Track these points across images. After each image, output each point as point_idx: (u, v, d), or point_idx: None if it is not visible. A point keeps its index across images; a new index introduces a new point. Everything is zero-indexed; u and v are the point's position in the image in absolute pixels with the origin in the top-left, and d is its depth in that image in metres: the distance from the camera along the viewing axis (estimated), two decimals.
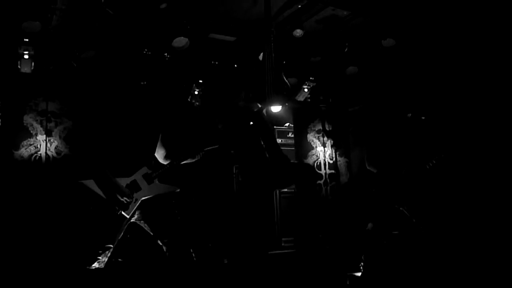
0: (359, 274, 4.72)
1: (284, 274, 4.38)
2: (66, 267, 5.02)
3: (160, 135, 4.70)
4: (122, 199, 4.10)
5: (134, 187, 4.27)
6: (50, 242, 5.50)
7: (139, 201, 4.19)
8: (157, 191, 4.33)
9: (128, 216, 4.13)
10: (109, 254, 4.13)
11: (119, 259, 5.24)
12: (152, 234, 4.32)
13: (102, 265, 4.11)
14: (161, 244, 4.33)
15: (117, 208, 4.09)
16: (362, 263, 4.70)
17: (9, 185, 5.65)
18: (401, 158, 4.79)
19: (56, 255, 5.35)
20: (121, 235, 4.19)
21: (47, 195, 5.72)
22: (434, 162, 4.60)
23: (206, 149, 4.63)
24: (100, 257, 4.09)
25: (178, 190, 4.46)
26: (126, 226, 4.20)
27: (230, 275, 4.49)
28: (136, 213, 4.25)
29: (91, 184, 4.15)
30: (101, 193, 4.12)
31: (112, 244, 4.13)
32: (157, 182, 4.37)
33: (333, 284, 4.57)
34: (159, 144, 4.64)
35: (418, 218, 4.74)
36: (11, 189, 5.63)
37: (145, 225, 4.31)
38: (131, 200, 4.18)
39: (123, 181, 4.24)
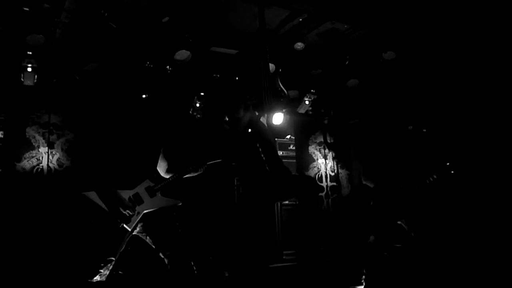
0: (361, 287, 4.70)
1: (286, 287, 4.36)
2: (68, 280, 5.01)
3: (162, 148, 4.71)
4: (124, 212, 4.10)
5: (136, 200, 4.27)
6: (52, 255, 5.49)
7: (141, 214, 4.18)
8: (160, 204, 4.32)
9: (130, 229, 4.11)
10: (110, 267, 4.12)
11: (120, 272, 5.24)
12: (154, 247, 4.31)
13: (104, 278, 4.09)
14: (163, 257, 4.31)
15: (119, 221, 4.08)
16: (364, 276, 4.68)
17: (11, 197, 5.65)
18: (400, 172, 4.79)
19: (58, 268, 5.34)
20: (122, 248, 4.18)
21: (49, 207, 5.72)
22: (435, 177, 4.58)
23: (208, 163, 4.62)
24: (102, 270, 4.07)
25: (180, 203, 4.44)
26: (127, 239, 4.19)
27: None
28: (138, 226, 4.24)
29: (93, 196, 4.15)
30: (103, 205, 4.11)
31: (114, 257, 4.12)
32: (159, 195, 4.36)
33: None
34: (161, 157, 4.65)
35: (417, 232, 4.74)
36: (13, 201, 5.63)
37: (147, 238, 4.30)
38: (133, 213, 4.18)
39: (126, 194, 4.24)
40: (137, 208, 4.18)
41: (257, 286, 4.18)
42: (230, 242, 6.01)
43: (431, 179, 4.59)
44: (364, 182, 5.09)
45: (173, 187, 5.30)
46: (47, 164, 6.01)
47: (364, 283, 4.68)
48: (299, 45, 5.99)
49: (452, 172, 4.52)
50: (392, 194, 4.76)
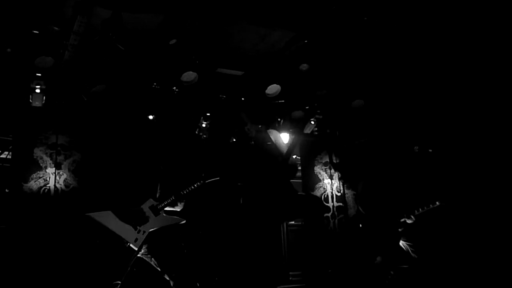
0: None
1: None
2: None
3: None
4: (134, 231, 4.11)
5: (141, 219, 4.26)
6: (59, 277, 5.47)
7: (147, 233, 4.17)
8: (164, 222, 4.33)
9: (136, 249, 4.10)
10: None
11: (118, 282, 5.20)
12: (159, 269, 4.28)
13: None
14: (168, 279, 4.29)
15: (125, 241, 4.07)
16: None
17: (18, 217, 5.66)
18: (397, 197, 4.77)
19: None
20: (128, 270, 4.15)
21: (56, 228, 5.72)
22: (426, 209, 4.56)
23: (207, 181, 4.62)
24: None
25: (184, 221, 4.44)
26: (134, 260, 4.17)
27: None
28: (143, 247, 4.22)
29: (98, 216, 4.15)
30: (109, 226, 4.12)
31: (120, 280, 4.09)
32: (163, 214, 4.36)
33: None
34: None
35: (419, 254, 4.70)
36: (20, 222, 5.64)
37: (152, 260, 4.28)
38: (139, 231, 4.17)
39: (133, 212, 4.26)
40: (143, 227, 4.17)
41: None
42: (236, 263, 5.97)
43: (421, 210, 4.56)
44: (358, 207, 5.09)
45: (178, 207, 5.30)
46: (54, 185, 6.03)
47: None
48: (304, 66, 6.03)
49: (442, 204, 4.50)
50: (378, 224, 4.75)
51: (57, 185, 6.05)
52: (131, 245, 4.07)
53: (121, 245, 4.12)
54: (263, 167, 4.22)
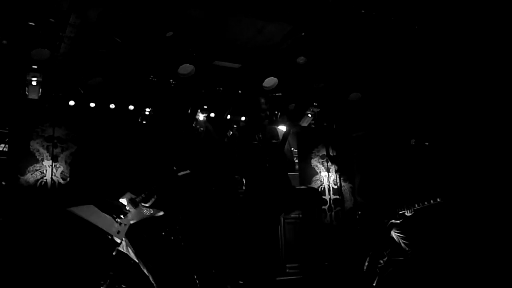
0: None
1: None
2: None
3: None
4: (118, 222, 4.16)
5: (122, 212, 4.30)
6: (55, 268, 5.48)
7: (128, 225, 4.22)
8: (144, 215, 4.36)
9: (119, 241, 4.14)
10: (109, 282, 4.13)
11: (123, 286, 5.22)
12: (137, 261, 4.30)
13: None
14: (147, 274, 4.29)
15: (109, 234, 4.12)
16: None
17: (15, 210, 5.66)
18: (396, 190, 4.78)
19: (60, 282, 5.33)
20: (114, 262, 4.20)
21: (53, 220, 5.72)
22: (426, 204, 4.58)
23: (179, 174, 4.66)
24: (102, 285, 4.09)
25: (162, 213, 4.47)
26: (116, 252, 4.21)
27: None
28: (124, 239, 4.24)
29: (79, 211, 4.18)
30: (91, 219, 4.14)
31: (111, 272, 4.14)
32: (141, 206, 4.40)
33: None
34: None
35: (412, 246, 4.72)
36: (17, 214, 5.64)
37: (130, 251, 4.29)
38: (120, 224, 4.21)
39: (114, 204, 4.30)
40: (123, 220, 4.21)
41: None
42: (233, 255, 5.99)
43: (421, 204, 4.57)
44: (357, 197, 5.12)
45: (175, 201, 5.30)
46: (51, 178, 6.03)
47: None
48: (302, 59, 6.02)
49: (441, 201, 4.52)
50: (378, 212, 4.77)
51: (54, 178, 6.05)
52: (114, 237, 4.11)
53: (104, 237, 4.15)
54: (262, 162, 4.20)
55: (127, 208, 4.29)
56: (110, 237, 4.12)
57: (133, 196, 4.39)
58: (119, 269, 4.68)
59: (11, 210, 5.66)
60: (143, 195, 4.43)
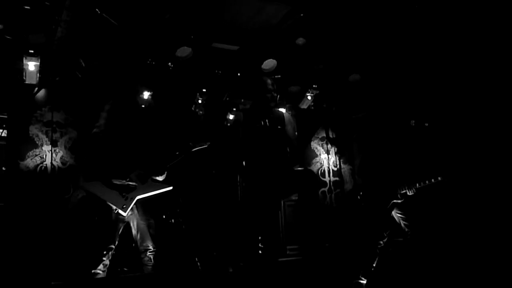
0: (364, 281, 4.71)
1: (289, 281, 4.37)
2: (73, 271, 5.08)
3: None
4: (121, 197, 4.22)
5: (130, 187, 4.35)
6: (56, 251, 5.53)
7: (135, 200, 4.27)
8: (151, 190, 4.40)
9: (124, 214, 4.20)
10: (110, 257, 4.19)
11: (125, 269, 5.27)
12: (137, 240, 4.36)
13: (106, 269, 4.15)
14: (152, 250, 4.35)
15: (114, 208, 4.18)
16: (366, 271, 4.69)
17: (15, 195, 5.68)
18: (396, 170, 4.78)
19: (62, 261, 5.40)
20: (118, 236, 4.26)
21: (53, 204, 5.75)
22: (428, 183, 4.58)
23: (194, 149, 4.66)
24: (104, 258, 4.15)
25: (171, 188, 4.50)
26: (123, 225, 4.28)
27: (235, 283, 4.48)
28: (130, 212, 4.32)
29: (89, 186, 4.25)
30: (100, 194, 4.20)
31: (113, 245, 4.20)
32: (150, 181, 4.44)
33: None
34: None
35: (412, 227, 4.74)
36: (17, 199, 5.66)
37: (133, 223, 4.35)
38: (126, 198, 4.27)
39: (121, 182, 4.35)
40: (130, 195, 4.27)
41: (261, 280, 4.19)
42: (234, 238, 6.03)
43: (422, 184, 4.58)
44: (357, 177, 5.12)
45: (176, 182, 5.31)
46: (51, 162, 6.03)
47: (367, 278, 4.70)
48: (301, 40, 5.97)
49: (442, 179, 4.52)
50: (379, 192, 4.77)
51: (54, 163, 6.06)
52: (119, 211, 4.17)
53: (111, 211, 4.22)
54: (266, 150, 4.19)
55: (134, 183, 4.33)
56: (115, 211, 4.19)
57: (142, 172, 4.42)
58: (128, 253, 4.74)
59: (12, 195, 5.67)
60: (152, 171, 4.46)
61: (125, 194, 4.28)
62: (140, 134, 4.62)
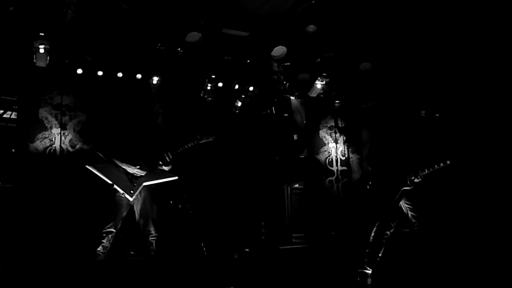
0: (369, 271, 4.71)
1: (294, 269, 4.38)
2: (75, 252, 5.16)
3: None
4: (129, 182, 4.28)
5: (138, 173, 4.40)
6: (64, 233, 5.60)
7: (141, 186, 4.33)
8: (158, 177, 4.47)
9: (131, 199, 4.25)
10: (111, 239, 4.24)
11: (132, 252, 5.32)
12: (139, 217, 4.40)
13: (106, 251, 4.21)
14: (154, 234, 4.39)
15: (122, 192, 4.23)
16: (371, 260, 4.68)
17: (25, 177, 5.73)
18: (405, 159, 4.74)
19: (65, 242, 5.46)
20: (121, 221, 4.31)
21: (61, 187, 5.80)
22: (436, 167, 4.55)
23: (201, 142, 4.71)
24: (104, 241, 4.21)
25: (176, 178, 4.56)
26: (126, 210, 4.32)
27: (240, 269, 4.51)
28: (137, 196, 4.36)
29: (97, 168, 4.29)
30: (109, 177, 4.25)
31: (114, 229, 4.25)
32: (157, 169, 4.49)
33: (343, 280, 4.56)
34: None
35: (418, 217, 4.72)
36: (26, 181, 5.71)
37: (137, 208, 4.39)
38: (134, 184, 4.33)
39: (130, 169, 4.38)
40: (138, 181, 4.33)
41: (266, 267, 4.20)
42: (239, 225, 6.05)
43: (431, 169, 4.55)
44: (365, 164, 5.09)
45: (185, 170, 5.33)
46: (60, 145, 6.07)
47: (372, 267, 4.70)
48: (311, 27, 5.91)
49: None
50: (389, 180, 4.73)
51: (63, 146, 6.10)
52: (126, 195, 4.23)
53: (117, 195, 4.27)
54: (272, 137, 4.16)
55: (143, 170, 4.38)
56: (122, 195, 4.25)
57: (151, 159, 4.48)
58: (134, 237, 4.78)
59: (22, 176, 5.73)
60: (159, 159, 4.51)
61: (134, 180, 4.35)
62: (151, 122, 4.68)
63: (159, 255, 4.38)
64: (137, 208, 4.40)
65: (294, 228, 6.72)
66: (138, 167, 4.37)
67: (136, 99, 6.34)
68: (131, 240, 5.25)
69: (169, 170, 4.59)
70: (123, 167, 4.35)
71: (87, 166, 4.28)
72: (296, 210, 6.78)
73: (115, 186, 4.26)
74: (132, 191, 4.30)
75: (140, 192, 4.36)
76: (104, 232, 4.24)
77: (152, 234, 4.40)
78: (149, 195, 4.43)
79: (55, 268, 4.46)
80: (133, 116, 4.66)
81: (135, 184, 4.35)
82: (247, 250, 5.25)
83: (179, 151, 4.59)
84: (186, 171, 5.94)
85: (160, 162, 4.51)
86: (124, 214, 4.34)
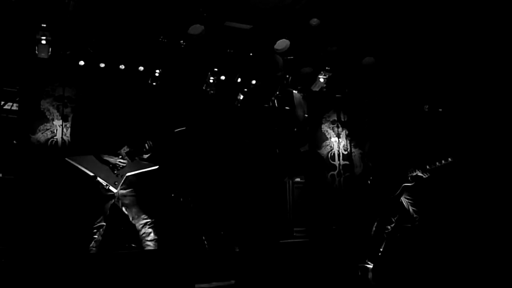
0: (370, 265, 4.71)
1: (295, 263, 4.38)
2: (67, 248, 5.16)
3: None
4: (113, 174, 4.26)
5: (120, 164, 4.39)
6: (64, 225, 5.60)
7: (124, 177, 4.32)
8: (139, 167, 4.46)
9: (115, 190, 4.24)
10: (102, 232, 4.24)
11: (133, 245, 5.32)
12: (129, 217, 4.39)
13: (98, 244, 4.20)
14: (150, 221, 4.38)
15: (105, 184, 4.22)
16: (373, 254, 4.68)
17: (26, 168, 5.73)
18: (407, 154, 4.72)
19: (67, 237, 5.46)
20: (108, 212, 4.30)
21: (63, 179, 5.79)
22: (438, 164, 4.53)
23: (176, 130, 4.70)
24: (96, 236, 4.20)
25: (157, 167, 4.54)
26: (112, 202, 4.30)
27: (241, 262, 4.50)
28: (120, 188, 4.34)
29: (77, 160, 4.27)
30: (90, 169, 4.23)
31: (104, 222, 4.25)
32: (138, 159, 4.48)
33: (344, 274, 4.56)
34: None
35: (419, 212, 4.71)
36: (28, 173, 5.71)
37: (123, 201, 4.37)
38: (117, 175, 4.31)
39: (111, 159, 4.36)
40: (120, 172, 4.31)
41: (267, 261, 4.20)
42: (241, 218, 6.04)
43: (433, 166, 4.53)
44: (366, 160, 5.07)
45: (186, 162, 5.32)
46: (61, 137, 6.06)
47: (373, 262, 4.69)
48: (315, 21, 5.88)
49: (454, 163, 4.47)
50: (389, 176, 4.72)
51: (64, 137, 6.09)
52: (110, 187, 4.22)
53: (101, 188, 4.25)
54: (273, 130, 4.14)
55: (124, 160, 4.37)
56: (106, 187, 4.23)
57: (131, 149, 4.48)
58: (113, 221, 4.78)
59: (23, 168, 5.72)
60: (138, 149, 4.51)
61: (116, 171, 4.32)
62: (130, 111, 4.68)
63: (162, 248, 4.38)
64: (123, 202, 4.35)
65: (295, 222, 6.72)
66: (120, 157, 4.37)
67: (129, 90, 6.31)
68: (132, 233, 5.24)
69: (148, 158, 4.57)
70: (105, 158, 4.32)
71: (67, 159, 4.27)
72: (298, 204, 6.76)
73: (98, 179, 4.24)
74: (116, 183, 4.28)
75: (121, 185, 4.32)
76: (95, 227, 4.22)
77: (148, 221, 4.35)
78: (130, 186, 4.39)
79: (55, 260, 4.45)
80: (119, 107, 4.66)
81: (118, 175, 4.33)
82: (248, 244, 5.24)
83: (153, 141, 4.55)
84: (187, 165, 5.95)
85: (144, 150, 4.49)
86: (110, 205, 4.32)
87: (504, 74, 5.60)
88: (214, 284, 4.39)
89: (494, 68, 5.70)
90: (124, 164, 4.38)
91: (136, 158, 4.49)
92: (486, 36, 5.71)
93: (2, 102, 5.80)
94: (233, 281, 4.31)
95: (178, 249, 4.39)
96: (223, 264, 4.86)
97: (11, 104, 5.64)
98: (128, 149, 4.46)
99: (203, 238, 5.55)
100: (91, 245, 4.17)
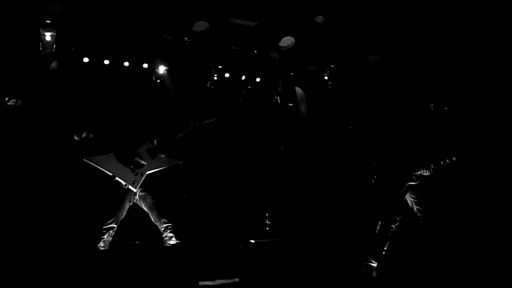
0: (375, 264, 4.70)
1: (300, 260, 4.38)
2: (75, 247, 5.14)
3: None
4: (133, 173, 4.20)
5: (140, 162, 4.31)
6: (70, 223, 5.59)
7: (145, 175, 4.24)
8: (161, 165, 4.38)
9: (135, 190, 4.17)
10: (112, 233, 4.18)
11: (137, 242, 5.32)
12: (150, 212, 4.34)
13: (107, 245, 4.16)
14: (171, 225, 4.35)
15: (124, 183, 4.14)
16: (376, 253, 4.67)
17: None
18: (411, 152, 4.71)
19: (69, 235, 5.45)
20: (124, 213, 4.25)
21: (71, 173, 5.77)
22: (442, 163, 4.51)
23: (202, 122, 4.60)
24: (104, 237, 4.15)
25: (181, 162, 4.48)
26: (131, 203, 4.25)
27: (244, 260, 4.50)
28: (140, 189, 4.28)
29: (98, 160, 4.21)
30: (109, 169, 4.16)
31: (115, 224, 4.18)
32: (160, 156, 4.41)
33: (349, 272, 4.56)
34: None
35: (424, 212, 4.70)
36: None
37: (145, 203, 4.33)
38: (136, 174, 4.23)
39: (131, 157, 4.31)
40: (140, 170, 4.23)
41: (272, 258, 4.20)
42: (245, 216, 6.04)
43: (437, 165, 4.51)
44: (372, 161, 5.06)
45: (192, 159, 5.28)
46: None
47: (378, 260, 4.69)
48: (320, 18, 5.86)
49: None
50: (394, 175, 4.70)
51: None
52: (129, 186, 4.14)
53: (120, 187, 4.19)
54: (275, 124, 4.14)
55: (144, 158, 4.30)
56: (126, 187, 4.15)
57: (151, 146, 4.40)
58: (139, 227, 4.75)
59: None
60: (161, 146, 4.44)
61: (136, 170, 4.23)
62: (148, 109, 4.62)
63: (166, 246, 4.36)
64: (145, 203, 4.31)
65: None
66: (138, 155, 4.28)
67: (140, 87, 6.29)
68: (136, 230, 5.22)
69: (169, 155, 4.50)
70: (124, 156, 4.24)
71: (85, 159, 4.19)
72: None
73: (117, 178, 4.14)
74: (135, 182, 4.18)
75: (141, 185, 4.25)
76: (105, 229, 4.14)
77: (170, 225, 4.30)
78: (151, 186, 4.33)
79: (60, 259, 4.44)
80: (134, 104, 4.62)
81: (138, 174, 4.23)
82: (253, 241, 5.24)
83: (181, 134, 4.48)
84: (192, 162, 5.92)
85: (161, 145, 4.41)
86: (127, 208, 4.24)
87: (510, 73, 5.57)
88: (218, 281, 4.39)
89: (501, 67, 5.67)
90: (145, 163, 4.28)
91: (158, 155, 4.40)
92: (492, 34, 5.68)
93: (6, 99, 5.81)
94: (237, 279, 4.30)
95: (182, 247, 4.36)
96: (227, 261, 4.86)
97: (15, 100, 5.64)
98: (148, 146, 4.36)
99: (207, 235, 5.55)
100: (98, 244, 4.12)
